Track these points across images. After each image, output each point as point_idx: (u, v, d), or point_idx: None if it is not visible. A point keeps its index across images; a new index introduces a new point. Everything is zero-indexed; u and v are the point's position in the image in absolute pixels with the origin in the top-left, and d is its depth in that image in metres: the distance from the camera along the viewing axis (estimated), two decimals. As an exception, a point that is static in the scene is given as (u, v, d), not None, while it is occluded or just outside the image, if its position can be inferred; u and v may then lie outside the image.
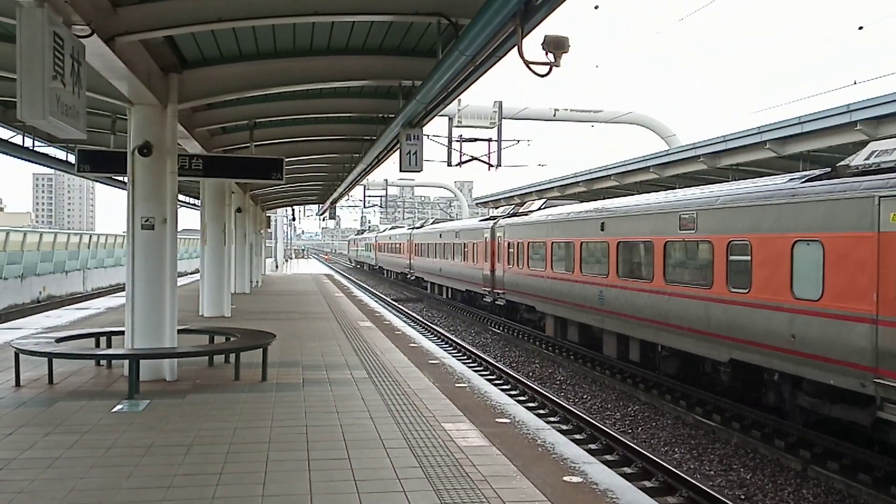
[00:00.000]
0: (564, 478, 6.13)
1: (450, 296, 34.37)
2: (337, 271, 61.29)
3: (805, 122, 16.63)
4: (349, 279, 51.49)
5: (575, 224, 18.55)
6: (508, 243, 23.95)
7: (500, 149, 30.19)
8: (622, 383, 15.69)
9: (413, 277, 44.36)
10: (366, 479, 5.96)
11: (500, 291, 25.01)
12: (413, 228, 47.18)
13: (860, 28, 17.60)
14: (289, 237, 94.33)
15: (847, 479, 9.53)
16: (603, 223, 16.92)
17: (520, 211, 24.79)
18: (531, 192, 35.27)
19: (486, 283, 26.63)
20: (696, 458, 10.93)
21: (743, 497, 9.42)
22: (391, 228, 63.97)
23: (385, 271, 58.99)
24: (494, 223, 26.16)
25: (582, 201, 22.45)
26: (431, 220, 46.25)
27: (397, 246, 50.76)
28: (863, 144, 15.85)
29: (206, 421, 7.80)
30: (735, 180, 15.33)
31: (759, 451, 11.02)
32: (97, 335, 11.53)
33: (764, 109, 46.82)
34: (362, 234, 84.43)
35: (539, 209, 22.92)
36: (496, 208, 42.74)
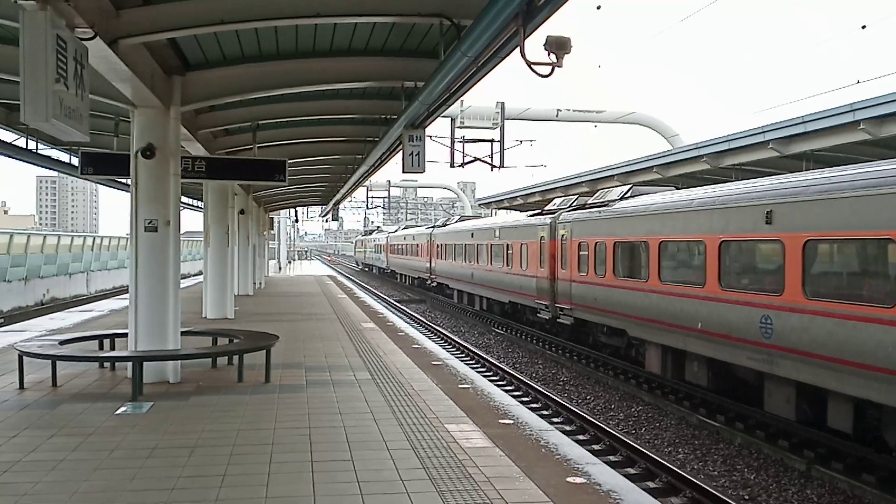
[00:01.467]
0: (568, 479, 6.12)
1: (483, 307, 28.26)
2: (340, 272, 61.29)
3: (808, 121, 16.62)
4: (353, 281, 51.47)
5: (708, 215, 12.71)
6: (580, 244, 18.22)
7: (502, 149, 30.15)
8: (626, 384, 15.67)
9: (434, 284, 37.88)
10: (369, 481, 5.96)
11: (564, 306, 19.26)
12: (434, 227, 40.57)
13: (863, 27, 17.59)
14: (292, 239, 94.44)
15: (851, 479, 9.50)
16: (770, 212, 11.03)
17: (590, 202, 19.16)
18: (534, 193, 35.27)
19: (542, 295, 20.89)
20: (699, 459, 10.91)
21: (747, 497, 9.39)
22: (405, 228, 57.06)
23: (399, 276, 52.20)
24: (555, 218, 20.49)
25: (680, 187, 17.55)
26: (457, 217, 38.76)
27: (414, 247, 44.03)
28: (866, 144, 15.88)
29: (210, 423, 7.81)
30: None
31: (763, 451, 11.00)
32: (101, 337, 11.56)
33: (767, 109, 46.85)
34: (371, 234, 76.51)
35: (623, 198, 17.06)
36: (499, 208, 42.43)
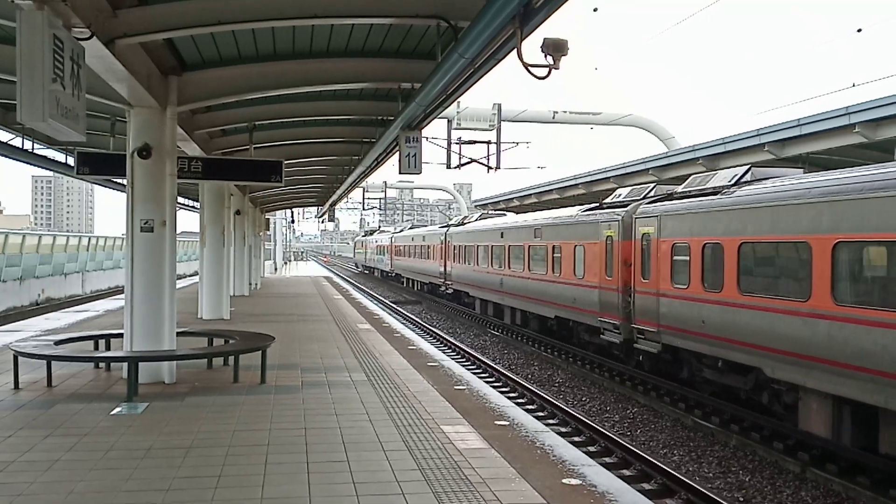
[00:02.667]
0: (563, 480, 6.13)
1: (516, 321, 23.36)
2: (336, 274, 61.26)
3: (804, 124, 16.69)
4: (348, 282, 51.42)
5: None
6: (674, 245, 13.61)
7: (499, 151, 30.20)
8: (621, 385, 15.68)
9: (449, 291, 32.94)
10: (365, 482, 5.96)
11: (646, 328, 14.55)
12: (449, 226, 35.08)
13: (859, 30, 17.64)
14: (288, 239, 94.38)
15: (846, 482, 9.52)
16: None
17: (682, 190, 14.64)
18: (530, 195, 35.32)
19: (609, 312, 16.20)
20: (694, 461, 10.93)
21: (742, 499, 9.41)
22: (412, 227, 51.91)
23: (405, 281, 47.07)
24: (629, 212, 15.72)
25: (807, 168, 13.31)
26: (478, 215, 33.31)
27: (425, 249, 38.61)
28: (861, 147, 15.94)
29: (205, 423, 7.80)
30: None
31: (758, 453, 11.02)
32: (96, 338, 11.54)
33: (763, 112, 46.96)
34: (372, 234, 70.36)
35: (738, 182, 12.73)
36: (495, 210, 41.96)
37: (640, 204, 15.51)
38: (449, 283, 32.62)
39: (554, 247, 19.84)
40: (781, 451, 10.81)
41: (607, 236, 16.43)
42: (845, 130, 15.62)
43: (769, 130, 17.85)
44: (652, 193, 16.15)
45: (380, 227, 78.05)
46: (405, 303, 37.17)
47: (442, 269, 33.92)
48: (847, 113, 15.32)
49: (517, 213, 29.05)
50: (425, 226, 53.65)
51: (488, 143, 30.48)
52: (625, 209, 16.11)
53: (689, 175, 20.84)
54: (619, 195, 17.74)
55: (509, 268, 23.46)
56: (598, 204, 18.95)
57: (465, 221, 33.05)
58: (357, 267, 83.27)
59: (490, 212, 34.81)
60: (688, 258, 13.07)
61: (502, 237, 24.50)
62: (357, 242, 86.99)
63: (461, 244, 30.34)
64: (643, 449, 11.17)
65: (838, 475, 9.75)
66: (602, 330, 16.64)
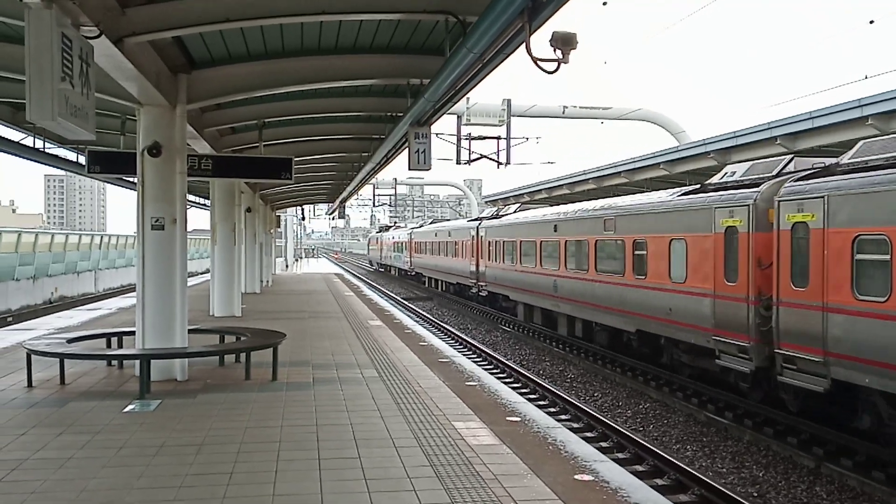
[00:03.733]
0: (575, 476, 6.11)
1: (576, 332, 19.38)
2: (347, 270, 61.34)
3: (816, 117, 16.56)
4: (359, 278, 51.50)
5: None
6: (857, 239, 9.86)
7: (508, 146, 30.11)
8: (633, 381, 15.63)
9: (484, 293, 28.86)
10: (376, 478, 5.96)
11: (808, 355, 10.46)
12: (482, 219, 30.58)
13: (871, 22, 17.48)
14: (299, 237, 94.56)
15: (861, 477, 9.46)
16: None
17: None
18: (541, 190, 35.24)
19: (739, 330, 12.12)
20: (708, 456, 10.88)
21: (756, 495, 9.36)
22: (432, 222, 48.18)
23: (428, 280, 42.71)
24: (776, 186, 11.76)
25: None
26: (516, 206, 28.09)
27: (451, 246, 34.49)
28: (874, 139, 15.81)
29: (217, 420, 7.82)
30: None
31: (772, 448, 10.96)
32: (108, 335, 11.58)
33: (775, 105, 46.68)
34: (388, 230, 65.70)
35: None
36: (506, 205, 41.45)
37: (784, 182, 11.51)
38: (482, 284, 28.60)
39: (636, 241, 15.64)
40: (795, 446, 10.74)
41: (727, 227, 12.53)
42: (858, 123, 15.47)
43: (780, 124, 17.71)
44: (791, 167, 12.37)
45: (395, 223, 75.00)
46: (416, 299, 37.19)
47: (473, 267, 30.17)
48: (860, 105, 15.18)
49: (566, 203, 25.23)
50: (447, 219, 49.78)
51: (498, 138, 30.39)
52: (755, 190, 12.08)
53: (698, 169, 20.34)
54: (732, 173, 13.64)
55: (566, 268, 19.46)
56: (698, 186, 14.55)
57: (500, 213, 28.58)
58: (371, 265, 79.33)
59: (527, 203, 31.59)
60: (889, 257, 9.30)
61: (556, 231, 20.33)
62: (371, 239, 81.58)
63: (498, 239, 26.30)
64: (656, 444, 11.13)
65: (853, 470, 9.68)
66: (717, 353, 12.58)
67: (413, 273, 47.64)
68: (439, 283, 39.23)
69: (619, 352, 17.29)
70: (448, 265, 35.33)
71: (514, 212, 26.43)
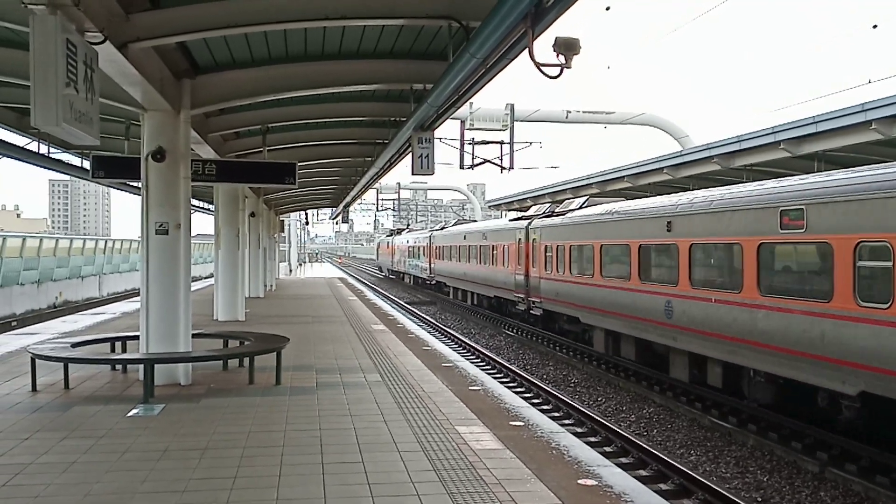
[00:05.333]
0: (579, 481, 6.10)
1: (708, 380, 13.36)
2: (350, 275, 61.36)
3: (820, 121, 16.53)
4: (363, 283, 51.50)
5: None
6: None
7: (512, 151, 30.19)
8: (637, 385, 15.61)
9: (537, 312, 22.61)
10: (380, 483, 5.96)
11: None
12: (532, 217, 24.44)
13: (874, 27, 17.48)
14: (302, 241, 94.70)
15: (865, 481, 9.43)
16: None
17: None
18: (544, 195, 35.25)
19: None
20: (711, 461, 10.86)
21: (760, 500, 9.34)
22: (457, 223, 41.19)
23: (453, 292, 36.64)
24: None
25: None
26: (582, 200, 21.97)
27: (489, 251, 28.43)
28: (878, 144, 15.79)
29: (221, 425, 7.83)
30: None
31: (776, 452, 10.94)
32: (112, 340, 11.61)
33: (778, 109, 46.58)
34: (400, 233, 58.85)
35: None
36: (509, 210, 41.03)
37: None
38: (535, 300, 22.62)
39: (868, 247, 9.59)
40: (800, 450, 10.72)
41: None
42: (862, 127, 15.44)
43: (784, 128, 17.68)
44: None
45: (410, 226, 70.59)
46: (419, 303, 37.16)
47: (520, 278, 24.12)
48: (863, 110, 15.15)
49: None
50: (468, 220, 44.28)
51: (501, 143, 30.47)
52: None
53: (703, 174, 20.07)
54: None
55: (691, 284, 13.45)
56: None
57: (555, 211, 22.51)
58: (381, 271, 72.71)
59: (597, 195, 25.51)
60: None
61: (670, 230, 14.21)
62: (381, 243, 72.91)
63: (561, 243, 20.33)
64: (659, 449, 11.10)
65: (857, 475, 9.66)
66: None
67: (433, 282, 41.42)
68: (468, 295, 33.06)
69: (800, 416, 11.64)
70: (482, 275, 29.22)
71: (581, 207, 20.81)
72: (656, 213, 15.09)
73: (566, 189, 32.17)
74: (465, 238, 33.14)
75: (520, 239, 24.43)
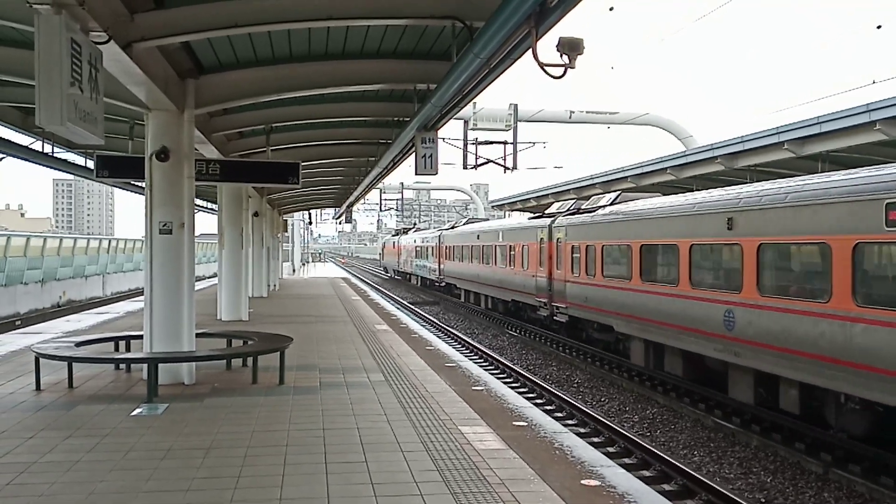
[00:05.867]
0: (582, 481, 6.10)
1: (781, 403, 11.42)
2: (353, 275, 61.37)
3: (823, 122, 16.49)
4: (366, 282, 51.51)
5: None
6: None
7: (515, 151, 30.17)
8: (640, 386, 15.59)
9: (562, 319, 20.66)
10: (383, 483, 5.96)
11: None
12: (556, 214, 22.31)
13: (878, 27, 17.45)
14: (306, 241, 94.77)
15: (869, 482, 9.42)
16: None
17: None
18: (547, 195, 35.23)
19: None
20: (715, 461, 10.84)
21: (763, 500, 9.33)
22: (468, 222, 38.39)
23: (465, 294, 34.55)
24: None
25: None
26: (613, 197, 19.38)
27: (505, 252, 26.41)
28: (882, 145, 15.77)
29: (225, 424, 7.83)
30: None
31: (780, 453, 10.92)
32: (116, 339, 11.64)
33: (782, 109, 46.66)
34: (406, 233, 56.73)
35: None
36: (512, 210, 40.87)
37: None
38: (559, 305, 20.73)
39: None
40: (803, 451, 10.70)
41: None
42: (866, 128, 15.41)
43: (788, 129, 17.64)
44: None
45: (415, 224, 69.85)
46: (422, 303, 37.15)
47: (542, 281, 22.07)
48: (867, 110, 15.12)
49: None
50: (480, 219, 41.67)
51: (505, 143, 30.45)
52: None
53: (707, 174, 19.99)
54: None
55: (759, 291, 11.56)
56: None
57: (581, 208, 20.54)
58: (386, 272, 70.12)
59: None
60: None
61: (731, 228, 12.28)
62: (387, 243, 70.52)
63: (589, 244, 18.44)
64: (663, 449, 11.10)
65: (861, 476, 9.64)
66: None
67: (442, 284, 39.30)
68: (481, 298, 30.98)
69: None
70: (498, 277, 27.28)
71: (612, 203, 18.53)
72: (712, 209, 13.09)
73: (569, 189, 32.15)
74: (478, 238, 31.00)
75: (541, 238, 22.44)
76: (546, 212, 24.10)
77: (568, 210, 21.62)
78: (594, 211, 19.00)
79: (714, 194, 13.60)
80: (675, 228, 14.27)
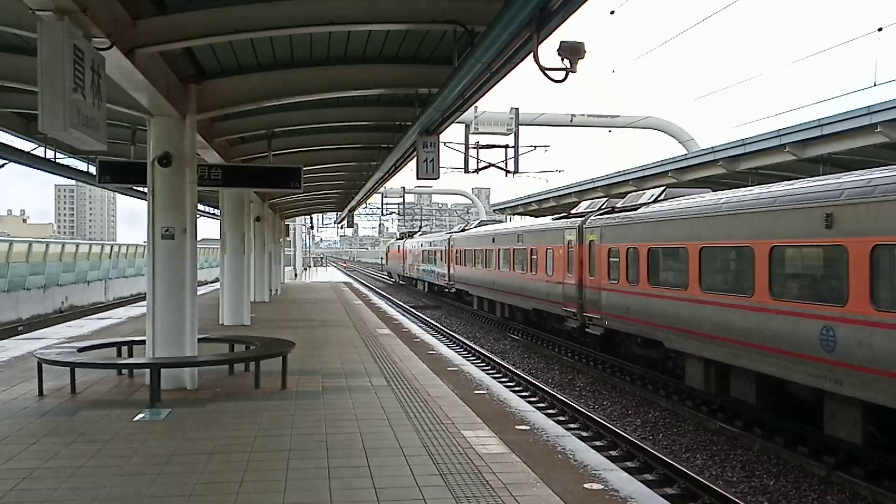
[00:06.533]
0: (585, 485, 6.10)
1: None
2: (356, 279, 61.38)
3: (825, 124, 16.51)
4: (368, 287, 51.50)
5: None
6: None
7: (517, 155, 30.09)
8: (642, 389, 15.58)
9: (598, 332, 18.07)
10: (386, 487, 5.96)
11: None
12: (585, 214, 20.08)
13: (880, 29, 17.43)
14: (307, 245, 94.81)
15: (872, 485, 9.40)
16: None
17: None
18: (549, 199, 35.25)
19: None
20: (718, 465, 10.83)
21: (766, 504, 9.32)
22: (480, 224, 36.23)
23: (478, 302, 31.69)
24: None
25: None
26: (657, 194, 16.54)
27: (526, 256, 23.80)
28: (884, 147, 15.78)
29: (227, 429, 7.84)
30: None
31: (782, 456, 10.90)
32: (119, 345, 11.64)
33: (783, 112, 46.52)
34: (412, 236, 54.29)
35: None
36: (514, 214, 40.79)
37: None
38: (592, 315, 18.21)
39: None
40: (806, 454, 10.68)
41: None
42: (867, 130, 15.43)
43: (789, 131, 17.67)
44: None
45: (420, 228, 67.29)
46: (424, 307, 37.14)
47: (571, 289, 19.57)
48: (869, 113, 15.14)
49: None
50: (497, 220, 38.82)
51: (506, 147, 30.37)
52: None
53: (708, 177, 19.88)
54: None
55: (873, 305, 9.20)
56: None
57: (616, 206, 18.33)
58: (390, 277, 67.55)
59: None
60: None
61: (830, 225, 9.97)
62: (391, 247, 67.46)
63: (636, 246, 15.83)
64: (665, 453, 11.09)
65: (864, 479, 9.62)
66: None
67: (453, 290, 36.46)
68: (496, 306, 28.39)
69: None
70: (518, 284, 24.62)
71: (656, 199, 16.12)
72: (803, 202, 10.59)
73: (570, 193, 32.19)
74: (493, 240, 28.19)
75: (570, 241, 19.79)
76: (573, 211, 22.01)
77: (600, 209, 19.26)
78: (634, 209, 16.56)
79: (801, 185, 11.07)
80: (748, 227, 11.88)
